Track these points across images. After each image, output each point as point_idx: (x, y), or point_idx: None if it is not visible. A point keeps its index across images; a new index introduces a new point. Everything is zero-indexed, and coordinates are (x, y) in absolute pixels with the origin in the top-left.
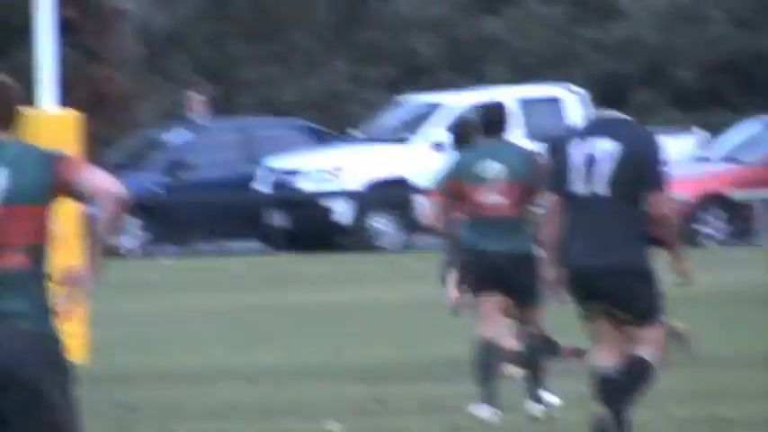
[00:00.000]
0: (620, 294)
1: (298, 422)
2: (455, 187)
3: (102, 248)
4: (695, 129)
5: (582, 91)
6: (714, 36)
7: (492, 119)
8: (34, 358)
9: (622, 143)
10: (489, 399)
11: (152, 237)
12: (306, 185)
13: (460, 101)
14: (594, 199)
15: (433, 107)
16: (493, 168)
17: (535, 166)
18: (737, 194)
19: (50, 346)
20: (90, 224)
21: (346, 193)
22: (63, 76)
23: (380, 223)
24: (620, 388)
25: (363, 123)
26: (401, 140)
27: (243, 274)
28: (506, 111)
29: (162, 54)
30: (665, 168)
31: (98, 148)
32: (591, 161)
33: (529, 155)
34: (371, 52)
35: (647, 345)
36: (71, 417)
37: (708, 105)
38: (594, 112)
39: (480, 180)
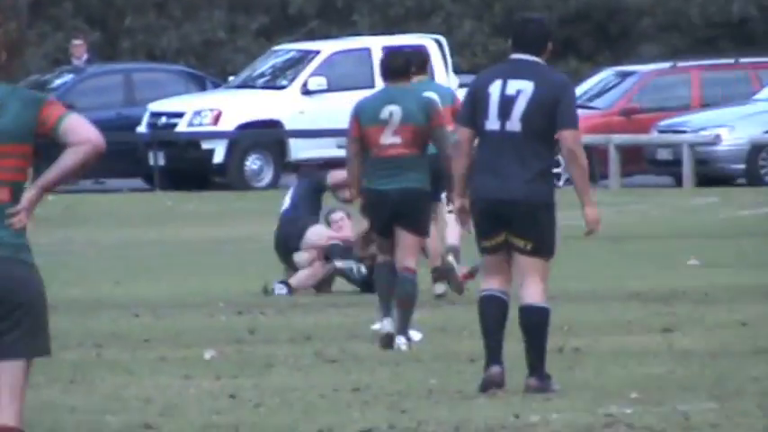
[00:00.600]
0: (523, 224)
1: (176, 350)
2: (357, 129)
3: (49, 188)
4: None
5: (443, 39)
6: None
7: (393, 66)
8: (16, 281)
9: (536, 83)
10: (387, 313)
11: (36, 173)
12: (186, 128)
13: (331, 49)
14: (507, 135)
15: (305, 54)
16: (391, 112)
17: (432, 110)
18: (589, 139)
19: (28, 270)
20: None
21: (223, 135)
22: None
23: (255, 163)
24: (527, 341)
25: (240, 70)
26: (275, 87)
27: (125, 211)
28: (408, 58)
29: (48, 2)
30: (576, 109)
31: None
32: (506, 99)
33: (427, 101)
34: (247, 2)
35: (537, 279)
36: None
37: (564, 55)
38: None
39: (380, 122)
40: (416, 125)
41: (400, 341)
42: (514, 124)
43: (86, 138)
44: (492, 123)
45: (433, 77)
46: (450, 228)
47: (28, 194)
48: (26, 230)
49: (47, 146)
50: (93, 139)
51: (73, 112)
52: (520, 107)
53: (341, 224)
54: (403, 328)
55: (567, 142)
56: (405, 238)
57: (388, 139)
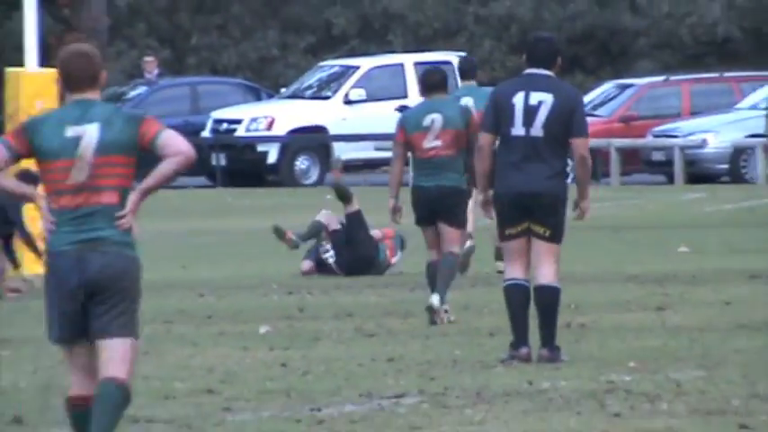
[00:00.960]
0: (544, 214)
1: (235, 325)
2: (403, 135)
3: (149, 192)
4: (569, 87)
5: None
6: (575, 12)
7: (431, 81)
8: (120, 272)
9: (555, 95)
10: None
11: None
12: (244, 133)
13: (369, 64)
14: (531, 140)
15: (346, 69)
16: (433, 119)
17: (470, 117)
18: (593, 142)
19: (132, 263)
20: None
21: (276, 139)
22: (44, 42)
23: (303, 163)
24: (541, 318)
25: (291, 83)
26: (321, 97)
27: (191, 205)
28: (444, 74)
29: (125, 24)
30: (586, 118)
31: None
32: (530, 109)
33: (465, 109)
34: (296, 24)
35: (552, 261)
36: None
37: (571, 70)
38: (525, 70)
39: (423, 129)
40: (456, 130)
41: (434, 298)
42: (537, 130)
43: (180, 150)
44: (517, 130)
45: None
46: None
47: (132, 198)
48: (131, 229)
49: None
50: (185, 150)
51: (168, 128)
52: (542, 116)
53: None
54: (442, 295)
55: (579, 149)
56: (446, 232)
57: (430, 143)
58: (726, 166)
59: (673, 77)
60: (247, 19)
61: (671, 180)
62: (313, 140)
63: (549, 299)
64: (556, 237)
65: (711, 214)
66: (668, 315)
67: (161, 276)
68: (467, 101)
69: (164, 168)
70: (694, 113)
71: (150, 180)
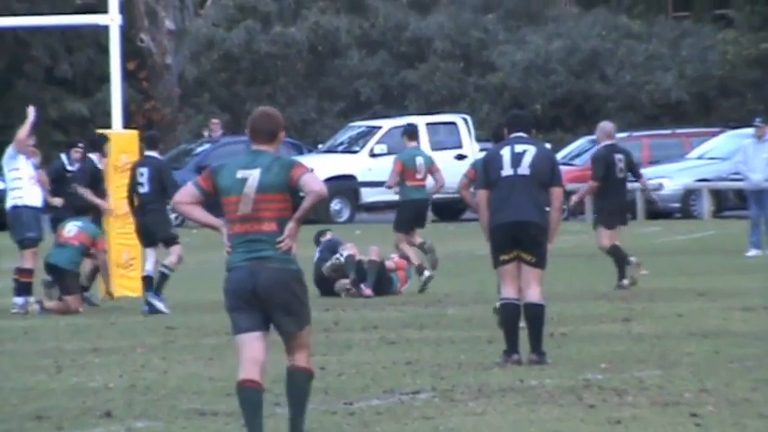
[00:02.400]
0: (529, 243)
1: None
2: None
3: (300, 221)
4: (544, 144)
5: (468, 117)
6: (555, 82)
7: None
8: (282, 282)
9: (535, 147)
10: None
11: None
12: None
13: (390, 124)
14: (519, 178)
15: (371, 129)
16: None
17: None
18: (570, 186)
19: (291, 274)
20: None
21: None
22: (127, 108)
23: (337, 205)
24: (530, 329)
25: (326, 140)
26: (351, 151)
27: None
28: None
29: (193, 93)
30: (561, 173)
31: None
32: (516, 155)
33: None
34: (331, 93)
35: (537, 283)
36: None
37: (552, 128)
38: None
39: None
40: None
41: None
42: (525, 169)
43: (313, 189)
44: (507, 171)
45: (460, 145)
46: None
47: (290, 225)
48: (290, 250)
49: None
50: (317, 189)
51: (309, 172)
52: (527, 159)
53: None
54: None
55: (555, 196)
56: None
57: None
58: (678, 205)
59: (635, 134)
60: (291, 89)
61: (634, 216)
62: (345, 186)
63: (536, 314)
64: (540, 263)
65: (666, 244)
66: (633, 325)
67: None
68: (420, 159)
69: (304, 203)
70: (652, 162)
71: (298, 213)
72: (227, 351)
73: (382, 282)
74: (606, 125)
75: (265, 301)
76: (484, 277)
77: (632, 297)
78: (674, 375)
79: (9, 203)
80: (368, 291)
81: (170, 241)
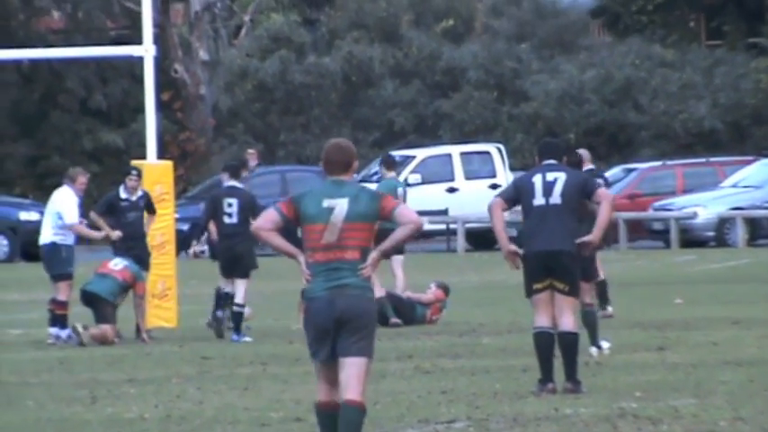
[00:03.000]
0: (562, 271)
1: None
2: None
3: (387, 251)
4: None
5: (502, 147)
6: (589, 111)
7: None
8: (361, 308)
9: (566, 173)
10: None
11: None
12: None
13: (424, 154)
14: (551, 207)
15: (406, 158)
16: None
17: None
18: None
19: (369, 302)
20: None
21: None
22: (161, 139)
23: None
24: (564, 357)
25: (361, 170)
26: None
27: (278, 270)
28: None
29: (227, 124)
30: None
31: (184, 186)
32: (548, 184)
33: (580, 173)
34: (365, 122)
35: (571, 312)
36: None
37: None
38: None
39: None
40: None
41: (592, 350)
42: (556, 198)
43: (411, 220)
44: (538, 200)
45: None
46: (399, 280)
47: (373, 255)
48: (370, 278)
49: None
50: (415, 220)
51: (402, 203)
52: (558, 188)
53: None
54: (593, 341)
55: (601, 195)
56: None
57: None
58: (712, 234)
59: (669, 162)
60: (325, 119)
61: (668, 245)
62: None
63: (570, 342)
64: (573, 291)
65: (701, 272)
66: (667, 354)
67: (258, 326)
68: (401, 190)
69: (398, 234)
70: (686, 191)
71: (387, 243)
72: (262, 381)
73: (403, 309)
74: (583, 153)
75: (343, 325)
76: (518, 306)
77: (667, 326)
78: (708, 404)
79: (48, 239)
80: (394, 320)
81: (247, 275)
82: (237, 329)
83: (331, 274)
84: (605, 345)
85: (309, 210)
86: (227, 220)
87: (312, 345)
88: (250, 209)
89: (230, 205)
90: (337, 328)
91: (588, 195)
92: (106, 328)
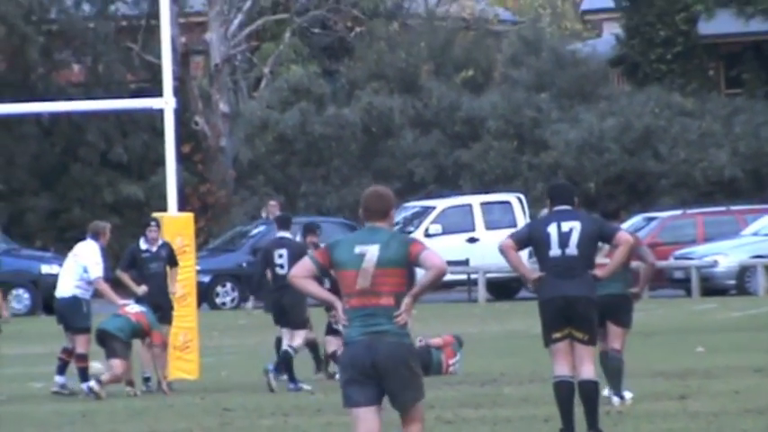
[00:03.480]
0: (580, 320)
1: (340, 416)
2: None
3: (418, 297)
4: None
5: (522, 196)
6: (609, 160)
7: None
8: (400, 356)
9: (581, 221)
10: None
11: (240, 295)
12: None
13: (444, 204)
14: (568, 258)
15: (426, 209)
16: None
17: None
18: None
19: (408, 348)
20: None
21: None
22: (182, 191)
23: None
24: (586, 406)
25: None
26: (406, 232)
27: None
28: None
29: (247, 176)
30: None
31: (205, 238)
32: (563, 235)
33: (594, 218)
34: (385, 173)
35: (590, 361)
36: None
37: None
38: (552, 208)
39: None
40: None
41: (614, 400)
42: (572, 250)
43: (434, 264)
44: (554, 251)
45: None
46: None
47: (406, 300)
48: (406, 324)
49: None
50: (438, 265)
51: (428, 248)
52: (575, 238)
53: None
54: (617, 390)
55: (620, 240)
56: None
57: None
58: (733, 282)
59: (689, 211)
60: (345, 170)
61: (689, 293)
62: None
63: (591, 391)
64: (592, 341)
65: (722, 321)
66: (689, 403)
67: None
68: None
69: (423, 279)
70: (707, 240)
71: (416, 288)
72: None
73: (420, 356)
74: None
75: (383, 374)
76: (539, 356)
77: (688, 374)
78: None
79: (69, 292)
80: None
81: (300, 325)
82: (292, 378)
83: (367, 319)
84: (628, 395)
85: (342, 256)
86: (278, 271)
87: (347, 389)
88: (300, 258)
89: (281, 256)
90: (379, 375)
91: (607, 240)
92: (116, 364)
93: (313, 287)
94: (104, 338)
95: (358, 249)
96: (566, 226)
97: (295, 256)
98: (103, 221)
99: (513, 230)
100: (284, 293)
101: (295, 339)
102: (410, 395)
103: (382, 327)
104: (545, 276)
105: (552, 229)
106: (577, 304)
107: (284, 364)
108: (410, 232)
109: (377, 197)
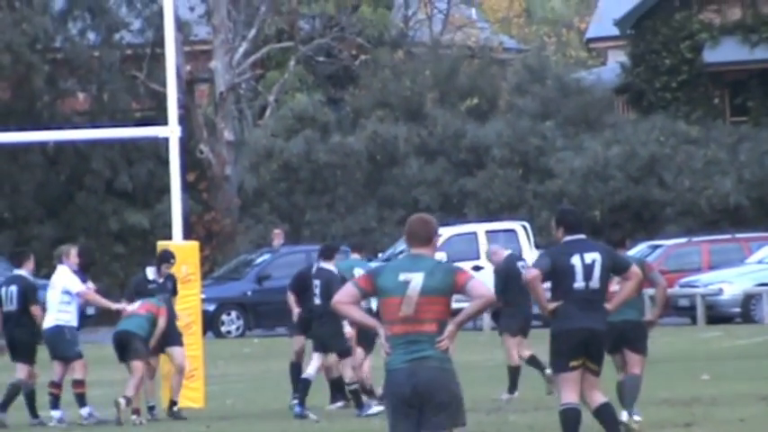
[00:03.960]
0: (596, 352)
1: None
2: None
3: (462, 324)
4: (604, 246)
5: (527, 224)
6: (614, 188)
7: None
8: (441, 381)
9: (599, 253)
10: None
11: (245, 324)
12: None
13: (449, 232)
14: (591, 291)
15: None
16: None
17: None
18: None
19: (449, 374)
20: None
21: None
22: (187, 220)
23: None
24: (610, 427)
25: (386, 248)
26: None
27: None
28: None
29: (252, 204)
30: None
31: (210, 266)
32: (587, 267)
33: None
34: (390, 201)
35: (599, 388)
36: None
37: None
38: (565, 236)
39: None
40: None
41: (623, 413)
42: (595, 283)
43: (482, 294)
44: (579, 283)
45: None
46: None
47: (450, 327)
48: (448, 350)
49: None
50: (487, 295)
51: (475, 277)
52: (597, 271)
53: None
54: (628, 409)
55: (632, 275)
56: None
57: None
58: (738, 310)
59: (694, 239)
60: (350, 198)
61: (694, 321)
62: None
63: (612, 412)
64: (600, 372)
65: (727, 349)
66: (694, 430)
67: (278, 405)
68: (357, 270)
69: (470, 307)
70: (712, 267)
71: (461, 316)
72: None
73: None
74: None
75: (424, 399)
76: (544, 384)
77: (694, 402)
78: None
79: (52, 322)
80: None
81: (345, 353)
82: (302, 402)
83: (410, 346)
84: (637, 418)
85: (386, 283)
86: (315, 300)
87: (391, 418)
88: (331, 290)
89: (316, 286)
90: (421, 400)
91: (619, 273)
92: (137, 367)
93: (357, 313)
94: (125, 340)
95: (402, 277)
96: (588, 258)
97: (325, 289)
98: (66, 245)
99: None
100: (321, 324)
101: (345, 370)
102: (444, 421)
103: (425, 352)
104: (566, 307)
105: (576, 261)
106: (600, 338)
107: (304, 390)
108: None
109: (423, 223)
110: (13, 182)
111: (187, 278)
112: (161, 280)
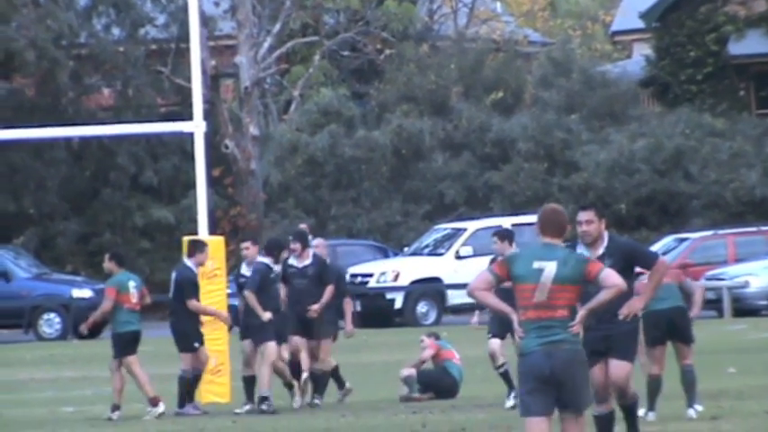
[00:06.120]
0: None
1: None
2: None
3: (593, 311)
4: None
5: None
6: (640, 181)
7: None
8: (576, 363)
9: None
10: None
11: None
12: (375, 284)
13: (475, 226)
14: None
15: (456, 231)
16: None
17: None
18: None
19: (582, 355)
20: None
21: (401, 288)
22: (213, 215)
23: (424, 308)
24: (629, 420)
25: (412, 243)
26: (437, 254)
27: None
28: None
29: (278, 199)
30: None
31: (236, 262)
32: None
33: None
34: (415, 195)
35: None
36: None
37: (637, 227)
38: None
39: None
40: None
41: (690, 412)
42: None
43: (615, 284)
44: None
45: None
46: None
47: (582, 313)
48: (579, 334)
49: None
50: (618, 284)
51: (606, 268)
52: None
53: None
54: (691, 403)
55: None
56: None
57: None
58: (765, 302)
59: (720, 232)
60: (376, 192)
61: (720, 314)
62: (431, 289)
63: (632, 406)
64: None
65: (754, 341)
66: (721, 424)
67: (308, 400)
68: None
69: (602, 295)
70: (738, 260)
71: (593, 303)
72: None
73: (433, 379)
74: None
75: (561, 380)
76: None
77: (720, 395)
78: None
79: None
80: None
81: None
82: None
83: (543, 331)
84: (699, 407)
85: (520, 270)
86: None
87: (527, 398)
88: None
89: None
90: (557, 381)
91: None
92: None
93: (492, 299)
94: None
95: (536, 264)
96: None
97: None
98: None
99: None
100: (248, 313)
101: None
102: (585, 399)
103: (558, 336)
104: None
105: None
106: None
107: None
108: (441, 254)
109: (557, 213)
110: (38, 178)
111: (213, 273)
112: (301, 265)
